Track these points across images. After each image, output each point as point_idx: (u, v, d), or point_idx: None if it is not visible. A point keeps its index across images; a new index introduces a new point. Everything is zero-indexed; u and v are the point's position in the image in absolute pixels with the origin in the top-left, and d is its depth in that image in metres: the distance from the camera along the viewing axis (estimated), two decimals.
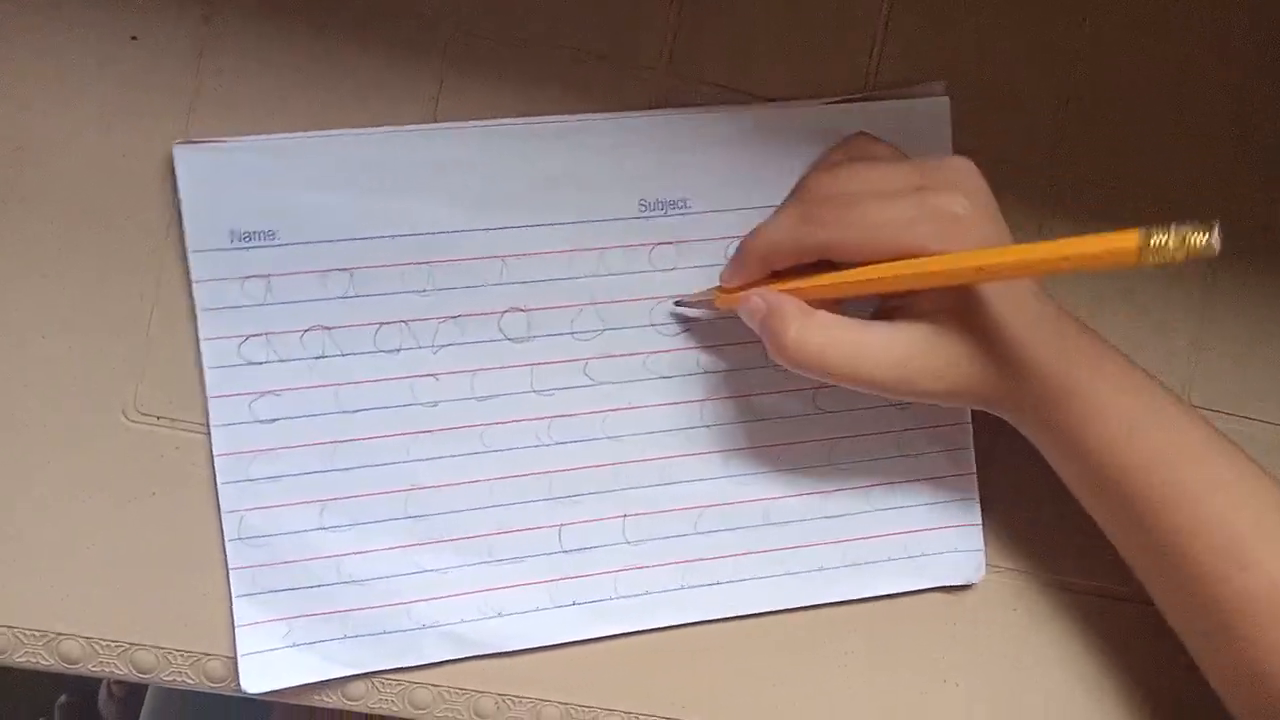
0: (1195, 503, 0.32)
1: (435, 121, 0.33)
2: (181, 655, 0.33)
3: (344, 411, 0.33)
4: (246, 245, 0.32)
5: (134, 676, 0.33)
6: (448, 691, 0.35)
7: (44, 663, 0.33)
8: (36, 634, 0.33)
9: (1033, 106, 0.37)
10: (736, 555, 0.36)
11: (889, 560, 0.37)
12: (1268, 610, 0.32)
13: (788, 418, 0.36)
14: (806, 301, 0.31)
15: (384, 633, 0.34)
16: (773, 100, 0.35)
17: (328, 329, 0.33)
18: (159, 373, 0.33)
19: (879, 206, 0.30)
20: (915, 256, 0.29)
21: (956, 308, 0.31)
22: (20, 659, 0.33)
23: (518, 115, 0.33)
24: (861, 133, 0.35)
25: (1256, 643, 0.32)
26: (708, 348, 0.35)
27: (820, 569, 0.37)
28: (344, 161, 0.32)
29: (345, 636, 0.34)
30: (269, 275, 0.32)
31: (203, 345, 0.32)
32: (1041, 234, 0.37)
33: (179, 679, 0.34)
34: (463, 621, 0.34)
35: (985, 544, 0.38)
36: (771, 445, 0.36)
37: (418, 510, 0.34)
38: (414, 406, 0.33)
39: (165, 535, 0.33)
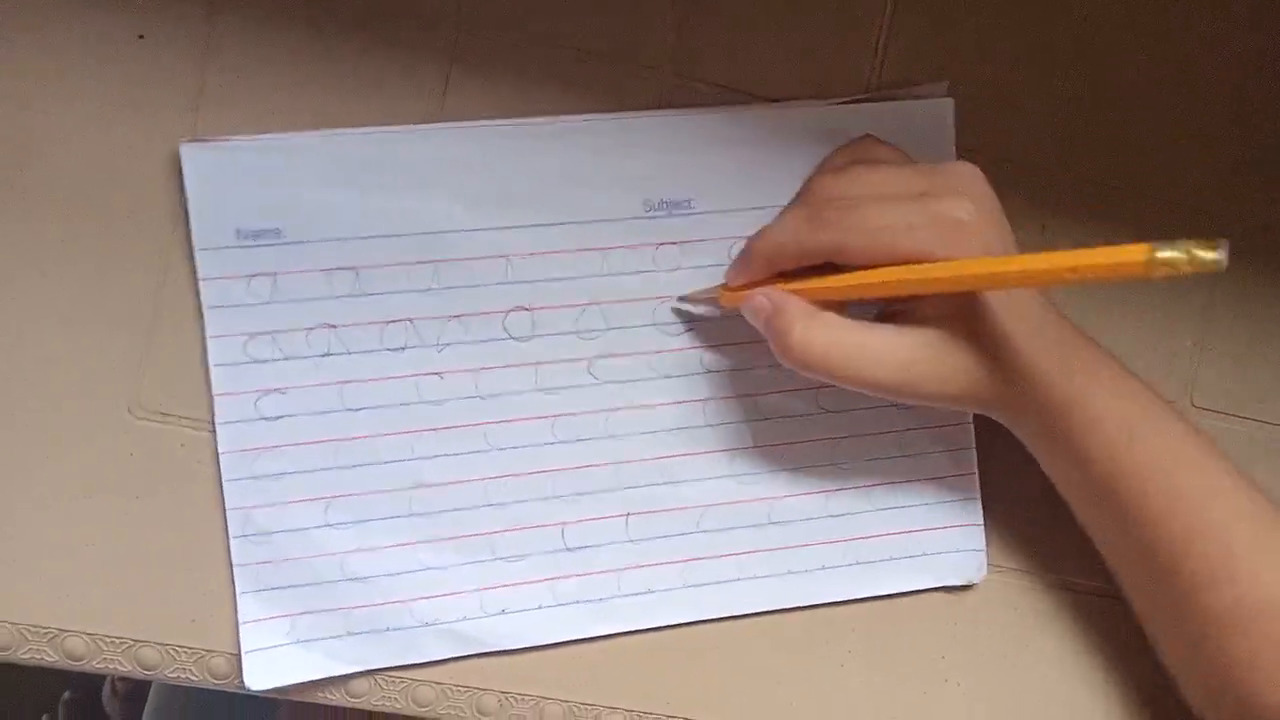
0: (1191, 512, 0.32)
1: (440, 120, 0.33)
2: (185, 652, 0.33)
3: (349, 409, 0.33)
4: (252, 243, 0.32)
5: (138, 673, 0.33)
6: (451, 689, 0.35)
7: (48, 659, 0.33)
8: (40, 630, 0.33)
9: (1034, 106, 0.37)
10: (739, 554, 0.36)
11: (890, 560, 0.37)
12: (1255, 624, 0.32)
13: (790, 417, 0.36)
14: (811, 302, 0.31)
15: (387, 630, 0.34)
16: (774, 100, 0.35)
17: (333, 327, 0.33)
18: (163, 370, 0.33)
19: (882, 211, 0.30)
20: (918, 261, 0.29)
21: (960, 313, 0.31)
22: (24, 655, 0.33)
23: (520, 114, 0.34)
24: (867, 135, 0.35)
25: (1241, 657, 0.32)
26: (711, 347, 0.35)
27: (822, 568, 0.37)
28: (350, 160, 0.32)
29: (349, 634, 0.34)
30: (275, 273, 0.32)
31: (208, 342, 0.32)
32: (1043, 234, 0.37)
33: (183, 676, 0.34)
34: (465, 619, 0.34)
35: (987, 544, 0.38)
36: (774, 445, 0.36)
37: (421, 508, 0.34)
38: (419, 405, 0.34)
39: (169, 532, 0.33)
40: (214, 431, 0.33)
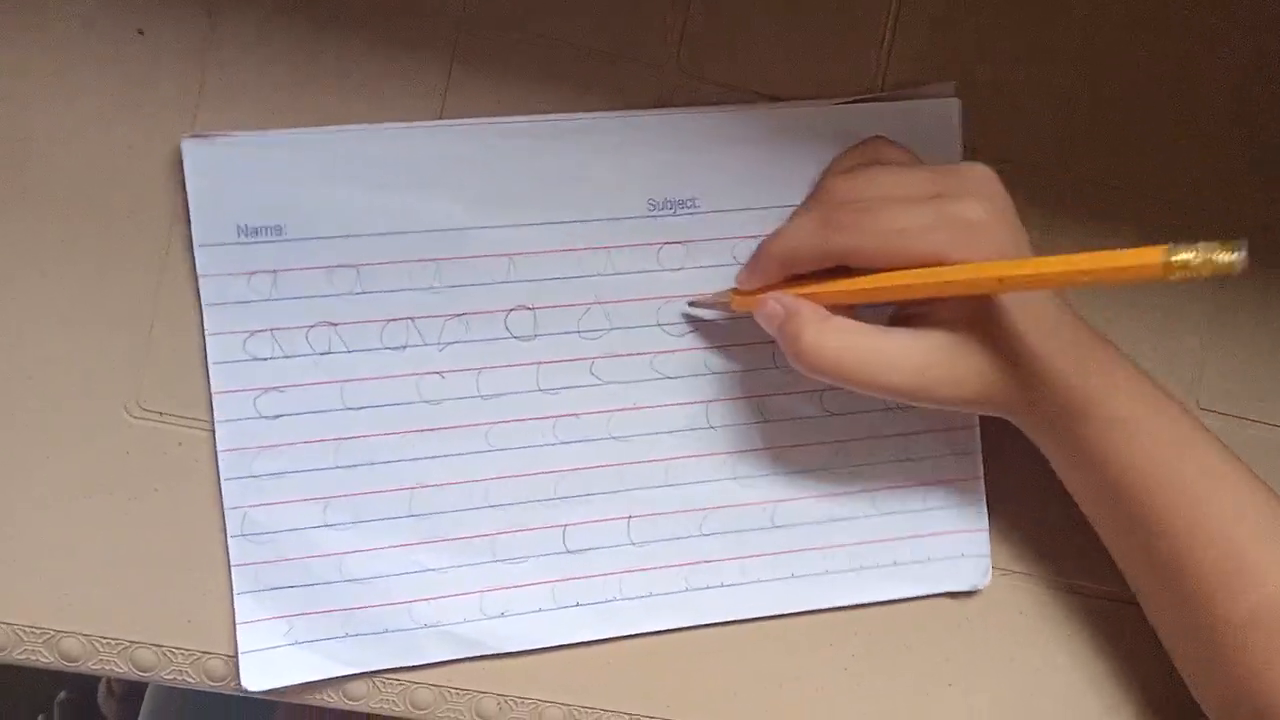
0: (1205, 518, 0.32)
1: (441, 118, 0.33)
2: (182, 653, 0.33)
3: (349, 408, 0.33)
4: (253, 240, 0.32)
5: (134, 675, 0.33)
6: (449, 692, 0.35)
7: (43, 660, 0.33)
8: (36, 631, 0.32)
9: (1035, 106, 0.37)
10: (742, 558, 0.36)
11: (895, 565, 0.37)
12: (1271, 629, 0.31)
13: (795, 420, 0.36)
14: (822, 306, 0.31)
15: (386, 632, 0.34)
16: (777, 98, 0.35)
17: (333, 325, 0.33)
18: (161, 369, 0.33)
19: (896, 213, 0.30)
20: (933, 264, 0.29)
21: (975, 316, 0.31)
22: (19, 656, 0.33)
23: (522, 112, 0.33)
24: (877, 136, 0.34)
25: (1256, 664, 0.32)
26: (715, 348, 0.35)
27: (825, 572, 0.36)
28: (352, 157, 0.32)
29: (347, 635, 0.34)
30: (275, 270, 0.32)
31: (208, 340, 0.32)
32: (1047, 233, 0.37)
33: (179, 678, 0.33)
34: (465, 621, 0.34)
35: (992, 547, 0.38)
36: (778, 447, 0.36)
37: (421, 509, 0.34)
38: (419, 404, 0.33)
39: (166, 532, 0.33)
40: (213, 430, 0.32)
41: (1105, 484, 0.33)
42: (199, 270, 0.32)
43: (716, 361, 0.35)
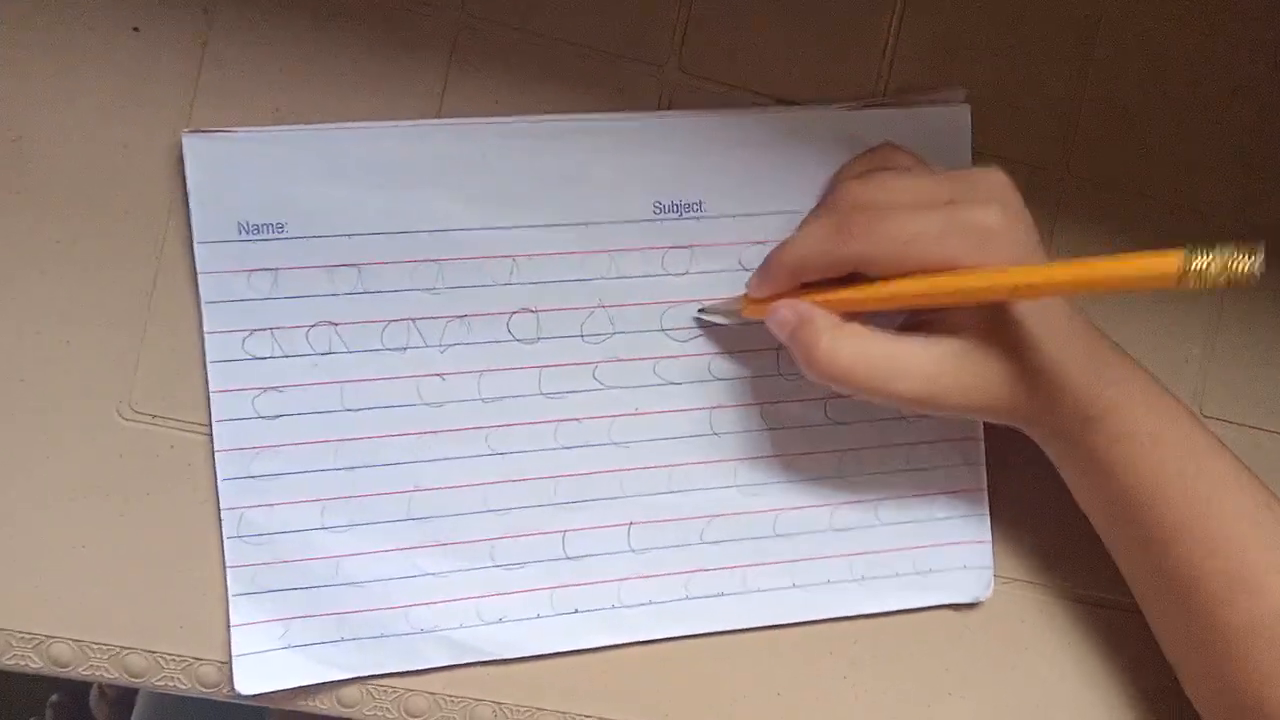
0: (1217, 529, 0.32)
1: (439, 116, 0.33)
2: (174, 660, 0.33)
3: (348, 410, 0.33)
4: (254, 237, 0.31)
5: (125, 680, 0.33)
6: (444, 699, 0.34)
7: (33, 666, 0.32)
8: (26, 636, 0.32)
9: (1037, 108, 0.37)
10: (743, 566, 0.35)
11: (896, 576, 0.37)
12: (1271, 639, 0.31)
13: (798, 428, 0.35)
14: (834, 313, 0.30)
15: (382, 636, 0.33)
16: (779, 98, 0.35)
17: (334, 325, 0.32)
18: (154, 371, 0.32)
19: (910, 219, 0.29)
20: (947, 270, 0.29)
21: (989, 324, 0.31)
22: (8, 662, 0.32)
23: (522, 112, 0.33)
24: (887, 142, 0.34)
25: (1257, 672, 0.32)
26: (719, 354, 0.35)
27: (827, 582, 0.36)
28: (355, 155, 0.32)
29: (342, 639, 0.33)
30: (276, 269, 0.32)
31: (206, 339, 0.32)
32: (1054, 236, 0.37)
33: (171, 684, 0.33)
34: (462, 627, 0.34)
35: (995, 555, 0.37)
36: (781, 455, 0.35)
37: (420, 512, 0.33)
38: (419, 406, 0.33)
39: (159, 536, 0.33)
40: (210, 430, 0.32)
41: (1116, 493, 0.33)
42: (199, 267, 0.31)
43: (721, 368, 0.35)
